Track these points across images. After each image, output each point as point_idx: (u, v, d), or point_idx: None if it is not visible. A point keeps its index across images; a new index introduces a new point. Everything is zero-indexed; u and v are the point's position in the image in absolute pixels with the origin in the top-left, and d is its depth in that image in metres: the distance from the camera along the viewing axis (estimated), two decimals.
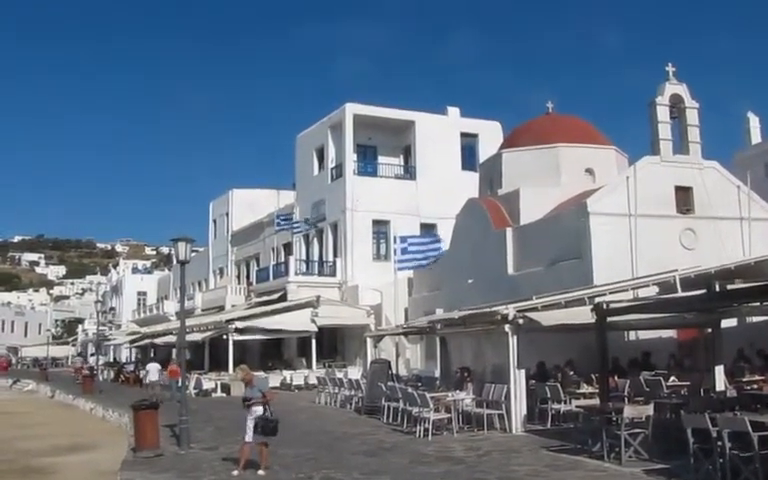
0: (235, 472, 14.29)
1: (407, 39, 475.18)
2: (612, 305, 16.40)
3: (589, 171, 33.70)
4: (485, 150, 47.16)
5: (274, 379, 38.83)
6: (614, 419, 14.84)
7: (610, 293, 20.82)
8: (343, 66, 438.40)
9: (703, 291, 16.28)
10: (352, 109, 50.09)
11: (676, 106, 29.72)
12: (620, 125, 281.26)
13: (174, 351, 55.18)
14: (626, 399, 18.64)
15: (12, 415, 36.27)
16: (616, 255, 26.39)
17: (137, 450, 17.38)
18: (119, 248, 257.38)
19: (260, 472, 14.08)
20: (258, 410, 14.24)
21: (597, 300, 17.82)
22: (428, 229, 46.68)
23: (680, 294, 20.17)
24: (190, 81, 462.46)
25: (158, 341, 53.74)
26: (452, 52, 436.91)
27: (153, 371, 37.64)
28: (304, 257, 52.57)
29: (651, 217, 27.53)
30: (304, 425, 23.04)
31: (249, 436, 14.28)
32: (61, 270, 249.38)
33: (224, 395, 37.31)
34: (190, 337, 39.80)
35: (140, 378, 46.26)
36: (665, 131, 29.16)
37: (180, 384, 37.48)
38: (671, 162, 28.87)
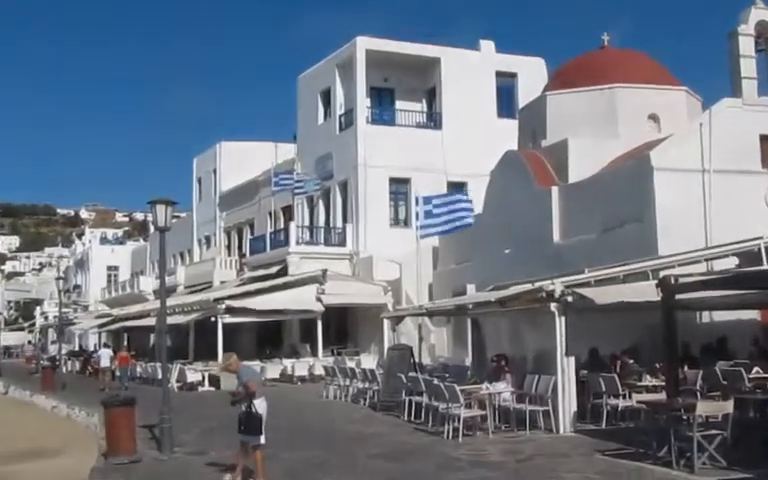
0: (227, 477, 14.37)
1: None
2: (681, 280, 16.33)
3: (653, 117, 33.48)
4: (526, 93, 46.88)
5: (273, 369, 39.18)
6: (684, 418, 14.81)
7: (679, 265, 20.79)
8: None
9: None
10: (364, 44, 49.86)
11: (763, 36, 29.37)
12: (693, 65, 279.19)
13: (152, 337, 55.72)
14: (699, 394, 18.59)
15: None
16: (686, 219, 26.24)
17: (109, 456, 17.49)
18: (84, 214, 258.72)
19: None
20: (242, 406, 14.18)
21: (663, 274, 17.75)
22: (456, 188, 46.49)
23: (766, 266, 20.08)
24: (174, 13, 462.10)
25: (132, 324, 54.05)
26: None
27: (104, 357, 41.82)
28: (308, 223, 52.67)
29: (730, 173, 27.30)
30: (310, 424, 23.17)
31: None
32: (14, 241, 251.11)
33: (213, 389, 37.49)
34: (171, 320, 39.96)
35: (112, 370, 46.71)
36: (749, 68, 28.84)
37: (130, 373, 40.28)
38: (755, 106, 28.61)
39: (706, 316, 25.01)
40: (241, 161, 64.58)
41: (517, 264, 30.96)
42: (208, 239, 70.21)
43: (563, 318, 19.38)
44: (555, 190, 31.97)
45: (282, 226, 53.67)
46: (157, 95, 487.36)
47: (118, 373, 41.95)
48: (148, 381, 41.62)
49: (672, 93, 34.44)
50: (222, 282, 55.76)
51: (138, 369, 45.49)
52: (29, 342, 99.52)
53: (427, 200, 37.43)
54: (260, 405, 14.18)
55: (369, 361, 37.55)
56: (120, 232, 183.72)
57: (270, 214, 57.80)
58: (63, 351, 60.26)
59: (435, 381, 21.36)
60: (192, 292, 55.69)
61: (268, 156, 59.27)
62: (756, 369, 20.89)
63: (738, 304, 21.32)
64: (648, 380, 20.65)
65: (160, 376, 23.23)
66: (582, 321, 20.12)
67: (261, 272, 49.41)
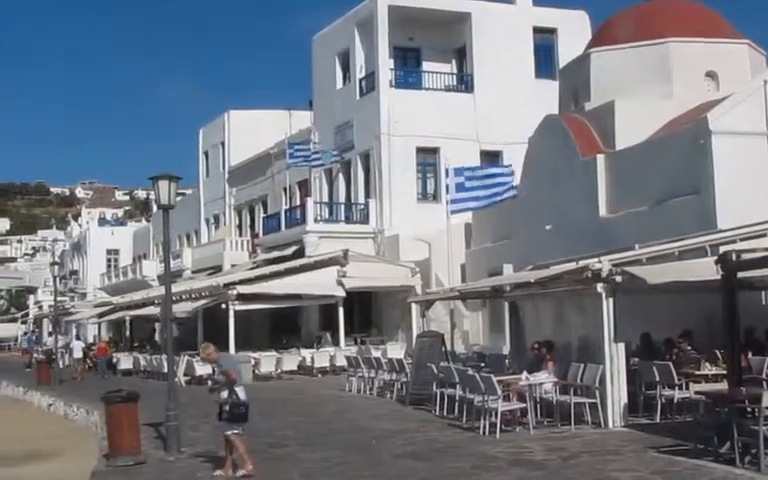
0: (218, 472, 15.41)
1: None
2: (744, 256, 16.19)
3: (711, 75, 33.22)
4: (567, 50, 46.51)
5: (290, 361, 39.34)
6: (749, 410, 14.74)
7: (741, 240, 20.61)
8: None
9: None
10: None
11: None
12: (756, 15, 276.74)
13: (157, 326, 55.99)
14: (765, 383, 18.46)
15: None
16: (748, 188, 26.03)
17: (111, 457, 17.61)
18: (80, 193, 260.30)
19: (241, 472, 15.07)
20: (223, 394, 15.27)
21: (723, 249, 17.61)
22: (491, 158, 46.37)
23: None
24: None
25: (135, 313, 54.33)
26: None
27: (77, 349, 49.74)
28: (326, 199, 52.77)
29: None
30: (330, 420, 23.23)
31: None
32: (4, 224, 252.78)
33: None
34: (177, 307, 40.14)
35: (114, 364, 47.30)
36: None
37: (109, 362, 42.59)
38: None
39: None
40: (252, 131, 64.60)
41: (559, 241, 30.88)
42: (217, 218, 70.39)
43: (611, 300, 19.29)
44: (601, 158, 31.79)
45: (298, 203, 53.62)
46: (158, 61, 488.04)
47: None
48: (153, 375, 41.91)
49: (732, 47, 34.11)
50: (233, 265, 55.90)
51: (142, 362, 45.81)
52: (24, 333, 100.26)
53: (459, 172, 37.28)
54: (241, 393, 15.32)
55: (396, 350, 37.63)
56: (120, 212, 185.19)
57: (285, 190, 57.83)
58: (59, 343, 60.80)
59: (470, 371, 21.34)
60: (200, 277, 55.87)
61: (281, 125, 59.35)
62: None
63: None
64: (707, 368, 20.49)
65: (166, 369, 23.33)
66: (633, 303, 20.04)
67: (276, 254, 49.50)
